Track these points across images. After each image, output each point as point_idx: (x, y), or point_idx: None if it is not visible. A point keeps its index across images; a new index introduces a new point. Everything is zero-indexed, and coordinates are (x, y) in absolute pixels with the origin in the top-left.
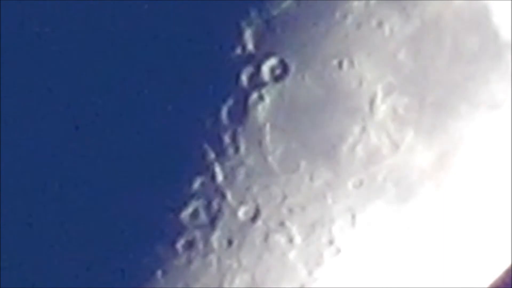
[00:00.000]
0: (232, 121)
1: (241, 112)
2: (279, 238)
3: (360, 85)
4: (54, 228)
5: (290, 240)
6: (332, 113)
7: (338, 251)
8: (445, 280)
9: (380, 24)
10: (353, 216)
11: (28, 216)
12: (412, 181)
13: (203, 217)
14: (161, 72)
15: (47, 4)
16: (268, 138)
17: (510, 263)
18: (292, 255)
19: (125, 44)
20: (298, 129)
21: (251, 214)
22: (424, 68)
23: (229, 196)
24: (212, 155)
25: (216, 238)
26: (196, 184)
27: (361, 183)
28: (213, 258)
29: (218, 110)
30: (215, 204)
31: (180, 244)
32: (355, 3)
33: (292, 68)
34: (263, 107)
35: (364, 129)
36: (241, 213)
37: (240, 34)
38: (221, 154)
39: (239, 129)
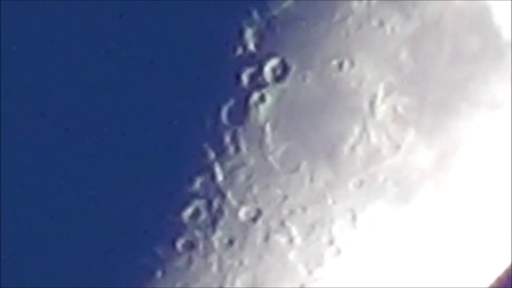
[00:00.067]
0: (232, 121)
1: (242, 112)
2: (280, 238)
3: (360, 85)
4: (53, 228)
5: (291, 240)
6: (332, 113)
7: (339, 251)
8: (445, 280)
9: (380, 24)
10: (354, 216)
11: (28, 216)
12: (412, 181)
13: (203, 217)
14: (161, 72)
15: (47, 4)
16: (268, 138)
17: (509, 263)
18: (292, 255)
19: (126, 44)
20: (298, 129)
21: (251, 214)
22: (424, 68)
23: (229, 196)
24: (212, 155)
25: (216, 238)
26: (197, 184)
27: (361, 183)
28: (213, 258)
29: (218, 110)
30: (215, 204)
31: (180, 244)
32: (356, 3)
33: (293, 68)
34: (263, 107)
35: (364, 129)
36: (242, 213)
37: (241, 34)
38: (221, 154)
39: (240, 129)
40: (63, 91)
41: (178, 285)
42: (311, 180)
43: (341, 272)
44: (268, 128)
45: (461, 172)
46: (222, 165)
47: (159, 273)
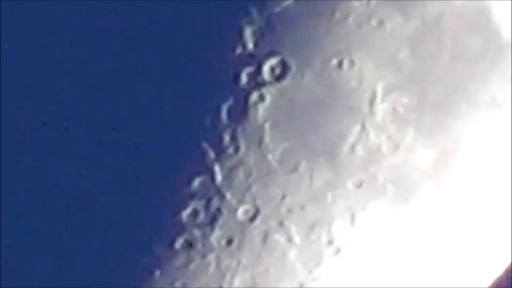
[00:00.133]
0: (232, 121)
1: (241, 111)
2: (279, 238)
3: (360, 84)
4: (53, 228)
5: (290, 239)
6: (332, 113)
7: (338, 251)
8: (445, 280)
9: (380, 24)
10: (353, 216)
11: (28, 216)
12: (412, 181)
13: (202, 216)
14: (160, 71)
15: (47, 4)
16: (268, 137)
17: (509, 263)
18: (291, 254)
19: (125, 43)
20: (298, 128)
21: (250, 213)
22: (424, 67)
23: (228, 195)
24: (211, 155)
25: (215, 237)
26: (196, 184)
27: (361, 182)
28: (212, 257)
29: (218, 110)
30: (214, 204)
31: (179, 244)
32: (356, 3)
33: (293, 67)
34: (263, 107)
35: (364, 128)
36: (241, 212)
37: (240, 33)
38: (220, 153)
39: (239, 129)
40: (63, 91)
41: (176, 284)
42: (311, 179)
43: (340, 272)
44: (267, 127)
45: (461, 172)
46: (221, 164)
47: (157, 273)
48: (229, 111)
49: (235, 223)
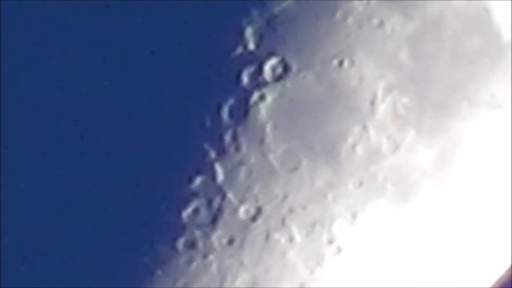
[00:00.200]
0: (233, 120)
1: (242, 111)
2: (280, 237)
3: (360, 84)
4: (53, 228)
5: (291, 239)
6: (332, 113)
7: (339, 250)
8: (446, 280)
9: (381, 24)
10: (354, 216)
11: (28, 216)
12: (412, 180)
13: (203, 216)
14: (161, 71)
15: (47, 4)
16: (269, 137)
17: (510, 263)
18: (292, 254)
19: (126, 43)
20: (299, 128)
21: (251, 213)
22: (424, 67)
23: (229, 195)
24: (213, 154)
25: (216, 237)
26: (197, 183)
27: (361, 182)
28: (213, 257)
29: (219, 109)
30: (215, 203)
31: (180, 244)
32: (356, 3)
33: (293, 67)
34: (264, 106)
35: (364, 128)
36: (242, 212)
37: (241, 33)
38: (222, 153)
39: (240, 128)
40: (63, 91)
41: (178, 284)
42: (311, 179)
43: (341, 272)
44: (268, 127)
45: (461, 172)
46: (222, 164)
47: (159, 272)
48: (230, 111)
49: (236, 222)
